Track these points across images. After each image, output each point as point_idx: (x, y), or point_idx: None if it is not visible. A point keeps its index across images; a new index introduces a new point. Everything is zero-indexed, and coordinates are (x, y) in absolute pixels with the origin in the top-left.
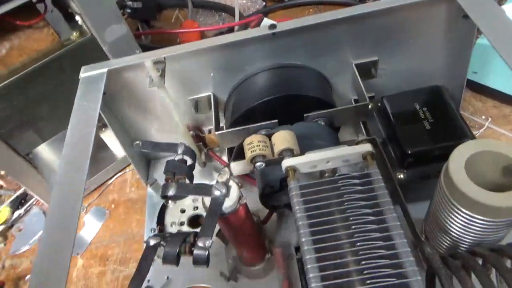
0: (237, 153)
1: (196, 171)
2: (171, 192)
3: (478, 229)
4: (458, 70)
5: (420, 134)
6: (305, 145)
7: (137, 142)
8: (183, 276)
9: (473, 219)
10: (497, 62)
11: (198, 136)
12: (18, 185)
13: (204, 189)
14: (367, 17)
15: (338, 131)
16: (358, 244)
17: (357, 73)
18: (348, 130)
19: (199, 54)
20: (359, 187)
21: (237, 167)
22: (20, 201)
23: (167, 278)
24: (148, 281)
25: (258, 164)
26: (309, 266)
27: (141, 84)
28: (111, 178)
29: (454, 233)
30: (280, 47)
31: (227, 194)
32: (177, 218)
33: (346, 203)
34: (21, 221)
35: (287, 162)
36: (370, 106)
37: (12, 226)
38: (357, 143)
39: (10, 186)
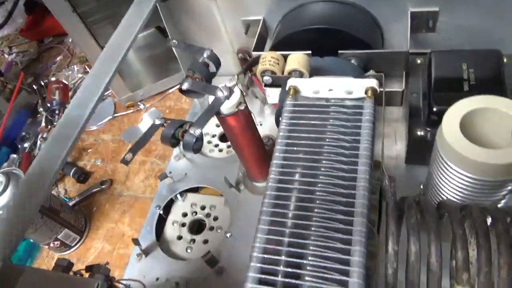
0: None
1: None
2: (185, 86)
3: (463, 186)
4: None
5: (454, 94)
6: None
7: (174, 40)
8: (198, 175)
9: (459, 176)
10: None
11: (245, 60)
12: None
13: (211, 89)
14: None
15: None
16: (322, 170)
17: (408, 22)
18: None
19: None
20: (346, 116)
21: (273, 95)
22: None
23: (185, 174)
24: (170, 172)
25: (265, 78)
26: (269, 184)
27: None
28: (173, 87)
29: (442, 191)
30: None
31: (228, 97)
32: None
33: (328, 132)
34: None
35: (291, 81)
36: (419, 61)
37: None
38: (365, 77)
39: None
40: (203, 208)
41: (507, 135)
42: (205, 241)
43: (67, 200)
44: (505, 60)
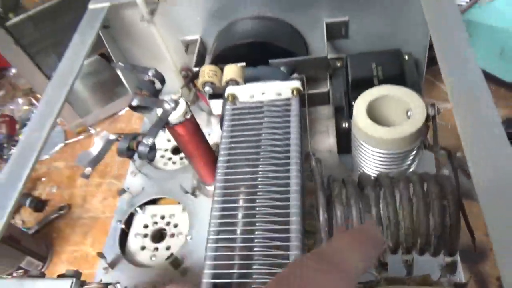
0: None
1: None
2: (134, 102)
3: (375, 160)
4: (419, 37)
5: (367, 89)
6: None
7: (119, 63)
8: (155, 188)
9: (370, 152)
10: (478, 39)
11: (188, 77)
12: None
13: (159, 102)
14: None
15: None
16: (262, 160)
17: (325, 31)
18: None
19: None
20: (278, 113)
21: (217, 106)
22: None
23: (143, 188)
24: (128, 188)
25: (206, 88)
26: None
27: (139, 21)
28: (121, 110)
29: (363, 167)
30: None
31: (175, 108)
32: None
33: (264, 128)
34: None
35: (228, 89)
36: (338, 64)
37: None
38: (290, 80)
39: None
40: (162, 217)
41: (403, 115)
42: (168, 248)
43: (26, 230)
44: (406, 57)
